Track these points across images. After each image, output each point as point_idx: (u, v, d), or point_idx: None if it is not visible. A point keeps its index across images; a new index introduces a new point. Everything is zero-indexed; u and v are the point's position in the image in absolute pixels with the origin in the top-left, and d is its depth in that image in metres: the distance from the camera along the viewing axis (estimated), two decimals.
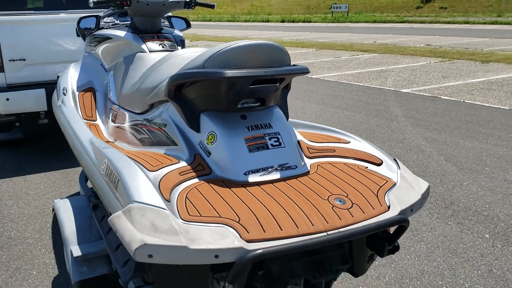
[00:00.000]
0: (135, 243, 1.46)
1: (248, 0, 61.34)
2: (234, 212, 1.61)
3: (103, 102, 3.12)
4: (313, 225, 1.59)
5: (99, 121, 3.03)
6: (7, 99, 4.53)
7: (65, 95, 3.09)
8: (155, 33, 3.03)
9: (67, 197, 2.60)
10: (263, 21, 40.52)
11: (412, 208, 1.82)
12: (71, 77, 3.28)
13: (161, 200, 1.60)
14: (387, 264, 2.86)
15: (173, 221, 1.52)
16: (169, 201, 1.65)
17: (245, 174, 1.85)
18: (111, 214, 1.77)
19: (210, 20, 43.44)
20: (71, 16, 4.84)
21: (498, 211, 3.52)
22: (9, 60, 4.57)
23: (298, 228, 1.57)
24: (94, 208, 2.26)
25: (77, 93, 3.13)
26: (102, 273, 2.26)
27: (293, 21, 38.61)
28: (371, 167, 2.02)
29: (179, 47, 3.06)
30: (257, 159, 1.89)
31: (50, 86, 4.74)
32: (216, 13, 42.85)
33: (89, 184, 3.23)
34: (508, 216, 3.43)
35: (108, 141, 2.70)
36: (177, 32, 3.22)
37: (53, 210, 2.64)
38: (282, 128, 2.00)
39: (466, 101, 7.30)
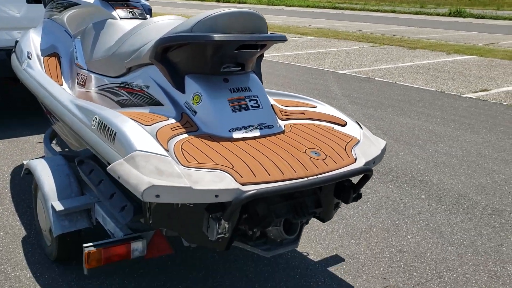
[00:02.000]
0: (143, 185, 1.62)
1: None
2: (227, 160, 1.81)
3: (69, 67, 3.16)
4: (295, 172, 1.83)
5: (65, 86, 3.08)
6: None
7: (30, 58, 3.10)
8: (124, 1, 3.11)
9: (40, 157, 2.66)
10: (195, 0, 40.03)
11: (374, 161, 2.11)
12: (33, 42, 3.28)
13: (162, 149, 1.77)
14: (339, 220, 3.18)
15: (176, 166, 1.70)
16: (168, 151, 1.82)
17: (229, 131, 2.05)
18: (109, 164, 1.90)
19: None
20: None
21: (431, 177, 3.95)
22: None
23: (283, 174, 1.80)
24: (79, 164, 2.36)
25: (42, 58, 3.15)
26: (83, 227, 2.38)
27: (228, 1, 38.43)
28: (337, 127, 2.29)
29: (148, 16, 3.17)
30: (240, 118, 2.09)
31: None
32: None
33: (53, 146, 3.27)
34: (440, 181, 3.87)
35: None
36: (143, 1, 3.31)
37: (25, 170, 2.69)
38: (259, 91, 2.21)
39: (398, 82, 7.85)
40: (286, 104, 2.45)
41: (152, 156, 1.72)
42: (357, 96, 6.77)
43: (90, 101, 2.77)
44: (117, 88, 2.54)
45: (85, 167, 2.32)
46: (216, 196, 1.66)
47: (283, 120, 2.30)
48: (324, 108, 2.45)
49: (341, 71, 8.70)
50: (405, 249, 2.86)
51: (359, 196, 2.15)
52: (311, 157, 1.93)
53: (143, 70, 2.35)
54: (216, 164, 1.77)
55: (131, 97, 2.41)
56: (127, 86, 2.45)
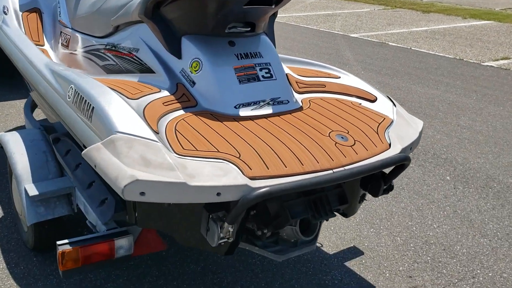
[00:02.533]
0: (124, 179, 1.26)
1: None
2: (233, 147, 1.44)
3: (52, 25, 2.75)
4: (318, 162, 1.46)
5: (47, 46, 2.68)
6: None
7: (6, 14, 2.69)
8: None
9: (15, 130, 2.30)
10: None
11: (411, 146, 1.74)
12: None
13: (149, 131, 1.39)
14: None
15: (167, 154, 1.33)
16: (158, 133, 1.45)
17: (235, 107, 1.67)
18: (84, 148, 1.54)
19: None
20: None
21: (456, 155, 3.58)
22: None
23: (303, 165, 1.43)
24: (55, 142, 1.99)
25: (20, 13, 2.73)
26: (62, 214, 2.03)
27: None
28: (365, 103, 1.90)
29: None
30: (248, 91, 1.71)
31: None
32: None
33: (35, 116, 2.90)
34: (465, 160, 3.50)
35: None
36: None
37: None
38: (273, 58, 1.82)
39: (413, 48, 7.38)
40: (303, 73, 2.05)
41: (137, 141, 1.35)
42: (371, 62, 6.33)
43: (73, 66, 2.38)
44: (103, 51, 2.15)
45: (61, 146, 1.94)
46: (218, 194, 1.30)
47: (300, 93, 1.92)
48: (348, 79, 2.06)
49: (352, 35, 8.20)
50: (432, 241, 2.52)
51: (390, 188, 1.79)
52: (336, 143, 1.56)
53: (131, 29, 1.96)
54: (218, 151, 1.40)
55: (118, 61, 2.02)
56: (113, 48, 2.06)
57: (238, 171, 1.35)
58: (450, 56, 6.95)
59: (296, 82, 1.95)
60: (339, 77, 2.06)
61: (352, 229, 2.59)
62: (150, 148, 1.33)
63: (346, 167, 1.48)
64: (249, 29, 1.77)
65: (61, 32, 2.64)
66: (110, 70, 2.08)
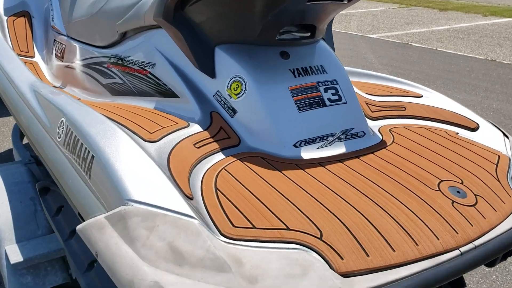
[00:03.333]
0: (142, 286, 0.76)
1: None
2: (308, 219, 0.93)
3: (44, 31, 2.27)
4: (438, 239, 0.95)
5: (38, 58, 2.20)
6: None
7: None
8: None
9: None
10: None
11: None
12: None
13: (179, 197, 0.89)
14: None
15: (210, 240, 0.83)
16: (192, 198, 0.95)
17: (295, 146, 1.17)
18: (80, 218, 1.04)
19: None
20: None
21: None
22: None
23: (417, 245, 0.92)
24: (42, 193, 1.48)
25: (5, 18, 2.25)
26: (55, 283, 1.53)
27: None
28: (463, 132, 1.40)
29: None
30: (311, 121, 1.21)
31: None
32: None
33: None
34: None
35: (54, 87, 1.90)
36: None
37: None
38: (339, 73, 1.31)
39: (439, 49, 6.87)
40: (372, 91, 1.55)
41: (162, 217, 0.85)
42: (397, 65, 5.82)
43: (69, 84, 1.89)
44: (106, 65, 1.66)
45: (51, 201, 1.43)
46: None
47: (373, 119, 1.42)
48: (433, 97, 1.55)
49: (371, 36, 7.70)
50: None
51: (509, 254, 1.29)
52: (453, 201, 1.06)
53: (144, 37, 1.46)
54: (288, 229, 0.90)
55: (127, 79, 1.52)
56: (120, 62, 1.56)
57: (325, 265, 0.84)
58: (480, 57, 6.43)
59: (367, 103, 1.45)
60: (421, 96, 1.55)
61: None
62: (183, 230, 0.83)
63: (476, 242, 0.98)
64: (308, 34, 1.28)
65: (54, 40, 2.15)
66: (116, 90, 1.58)
